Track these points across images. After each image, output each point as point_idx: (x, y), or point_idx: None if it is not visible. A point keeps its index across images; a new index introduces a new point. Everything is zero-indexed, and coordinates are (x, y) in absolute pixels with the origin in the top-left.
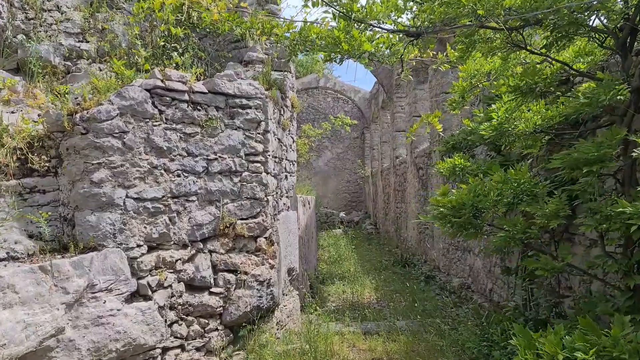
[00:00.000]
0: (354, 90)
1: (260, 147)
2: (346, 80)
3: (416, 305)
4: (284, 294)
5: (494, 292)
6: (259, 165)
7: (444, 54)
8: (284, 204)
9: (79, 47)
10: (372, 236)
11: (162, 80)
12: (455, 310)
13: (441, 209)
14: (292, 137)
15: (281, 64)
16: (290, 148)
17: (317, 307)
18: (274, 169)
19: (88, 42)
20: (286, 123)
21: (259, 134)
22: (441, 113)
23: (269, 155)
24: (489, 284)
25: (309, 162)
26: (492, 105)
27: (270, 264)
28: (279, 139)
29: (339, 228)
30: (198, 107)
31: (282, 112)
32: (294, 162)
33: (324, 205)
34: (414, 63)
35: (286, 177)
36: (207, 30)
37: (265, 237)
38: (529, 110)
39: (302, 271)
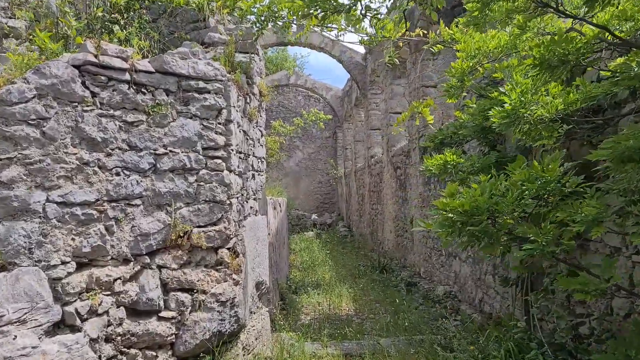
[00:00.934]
0: (326, 87)
1: (221, 140)
2: (318, 79)
3: (400, 318)
4: (251, 313)
5: (484, 303)
6: (219, 161)
7: (437, 31)
8: (252, 207)
9: (6, 24)
10: (346, 239)
11: (95, 56)
12: (443, 323)
13: (449, 215)
14: (261, 131)
15: (247, 45)
16: (259, 143)
17: (290, 322)
18: (238, 167)
19: (17, 18)
20: (253, 113)
21: (219, 124)
22: (433, 102)
23: (232, 150)
24: (479, 293)
25: (280, 163)
26: (485, 95)
27: (234, 279)
28: (244, 132)
29: (312, 231)
30: (143, 90)
31: (248, 101)
32: (262, 160)
33: (295, 207)
34: (401, 44)
35: (253, 176)
36: (162, 10)
37: (228, 248)
38: (547, 93)
39: (273, 282)
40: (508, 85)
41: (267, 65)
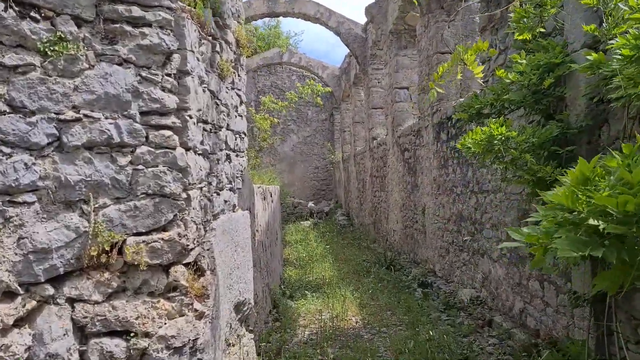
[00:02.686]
0: (322, 66)
1: (171, 101)
2: (313, 57)
3: (419, 332)
4: (228, 346)
5: (527, 315)
6: (169, 133)
7: None
8: (226, 201)
9: None
10: (345, 229)
11: None
12: (476, 341)
13: (590, 221)
14: (239, 96)
15: None
16: (236, 112)
17: (285, 337)
18: (202, 142)
19: None
20: (226, 68)
21: (168, 76)
22: (487, 45)
23: (191, 117)
24: (518, 302)
25: (273, 147)
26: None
27: (196, 311)
28: (212, 93)
29: (308, 220)
30: (33, 15)
31: (217, 49)
32: (242, 135)
33: (290, 195)
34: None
35: (228, 157)
36: None
37: (186, 264)
38: None
39: (264, 288)
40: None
41: (258, 43)
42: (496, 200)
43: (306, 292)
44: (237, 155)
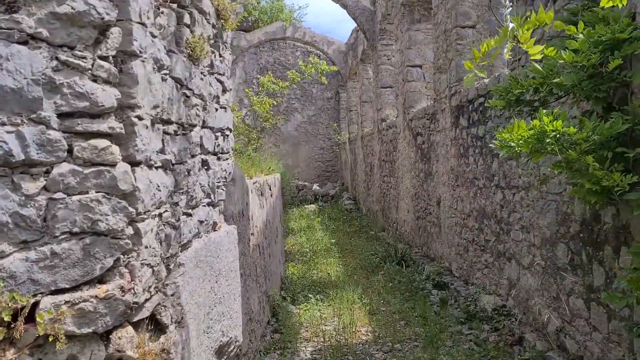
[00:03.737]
0: (327, 41)
1: (108, 96)
2: (317, 29)
3: (439, 351)
4: None
5: (566, 335)
6: (105, 144)
7: None
8: (203, 221)
9: None
10: (352, 214)
11: None
12: None
13: None
14: (222, 82)
15: None
16: (217, 103)
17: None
18: (160, 151)
19: None
20: (199, 46)
21: (103, 59)
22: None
23: (141, 118)
24: (554, 319)
25: (276, 127)
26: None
27: None
28: (177, 81)
29: (313, 204)
30: None
31: (187, 21)
32: (227, 132)
33: (295, 177)
34: None
35: (205, 164)
36: None
37: (137, 322)
38: None
39: (260, 297)
40: None
41: (261, 16)
42: (528, 199)
43: (309, 295)
44: (219, 159)
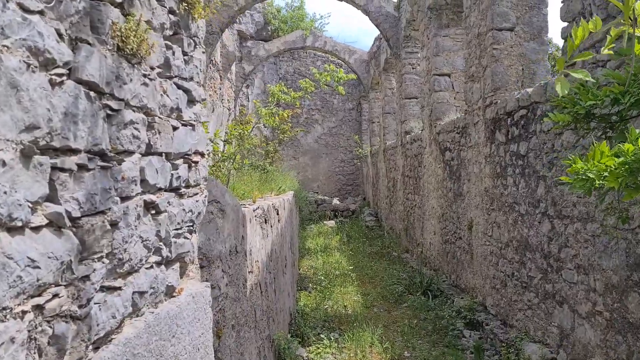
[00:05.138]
0: (349, 50)
1: None
2: (339, 40)
3: None
4: None
5: None
6: None
7: None
8: (145, 292)
9: None
10: (373, 232)
11: None
12: None
13: None
14: (189, 91)
15: None
16: (179, 119)
17: None
18: (45, 201)
19: None
20: (135, 36)
21: None
22: None
23: None
24: None
25: (296, 139)
26: None
27: None
28: (89, 86)
29: (332, 219)
30: None
31: None
32: (194, 158)
33: (314, 190)
34: None
35: (152, 207)
36: None
37: None
38: None
39: (260, 347)
40: None
41: (281, 25)
42: (585, 233)
43: (322, 335)
44: (180, 196)
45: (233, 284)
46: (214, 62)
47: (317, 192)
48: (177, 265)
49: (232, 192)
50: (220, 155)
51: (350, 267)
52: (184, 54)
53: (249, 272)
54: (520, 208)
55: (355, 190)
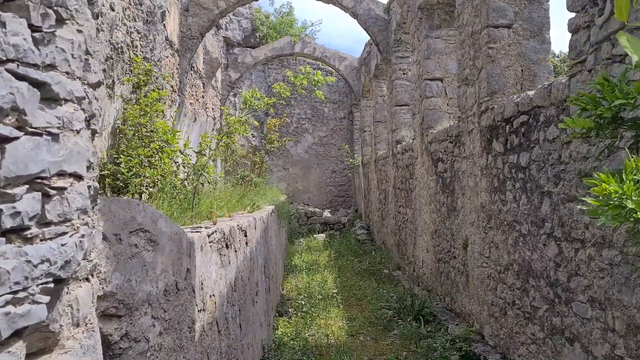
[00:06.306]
0: (339, 57)
1: None
2: (329, 47)
3: None
4: None
5: None
6: None
7: None
8: None
9: None
10: (365, 246)
11: None
12: None
13: None
14: (46, 84)
15: None
16: (16, 129)
17: None
18: None
19: None
20: None
21: None
22: None
23: None
24: None
25: (285, 149)
26: None
27: None
28: None
29: (323, 232)
30: None
31: None
32: (54, 182)
33: (304, 202)
34: None
35: None
36: None
37: None
38: None
39: None
40: None
41: (269, 32)
42: (601, 261)
43: None
44: (25, 241)
45: (172, 330)
46: (195, 68)
47: (307, 204)
48: (18, 345)
49: (192, 212)
50: (193, 168)
51: (337, 288)
52: (34, 29)
53: (200, 310)
54: (521, 227)
55: (347, 201)
